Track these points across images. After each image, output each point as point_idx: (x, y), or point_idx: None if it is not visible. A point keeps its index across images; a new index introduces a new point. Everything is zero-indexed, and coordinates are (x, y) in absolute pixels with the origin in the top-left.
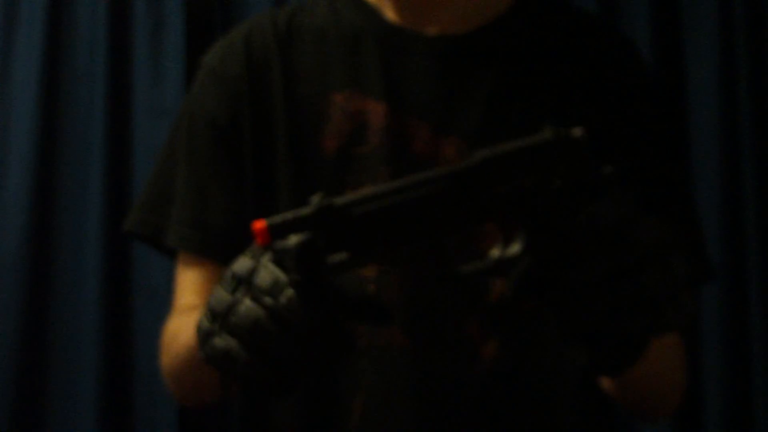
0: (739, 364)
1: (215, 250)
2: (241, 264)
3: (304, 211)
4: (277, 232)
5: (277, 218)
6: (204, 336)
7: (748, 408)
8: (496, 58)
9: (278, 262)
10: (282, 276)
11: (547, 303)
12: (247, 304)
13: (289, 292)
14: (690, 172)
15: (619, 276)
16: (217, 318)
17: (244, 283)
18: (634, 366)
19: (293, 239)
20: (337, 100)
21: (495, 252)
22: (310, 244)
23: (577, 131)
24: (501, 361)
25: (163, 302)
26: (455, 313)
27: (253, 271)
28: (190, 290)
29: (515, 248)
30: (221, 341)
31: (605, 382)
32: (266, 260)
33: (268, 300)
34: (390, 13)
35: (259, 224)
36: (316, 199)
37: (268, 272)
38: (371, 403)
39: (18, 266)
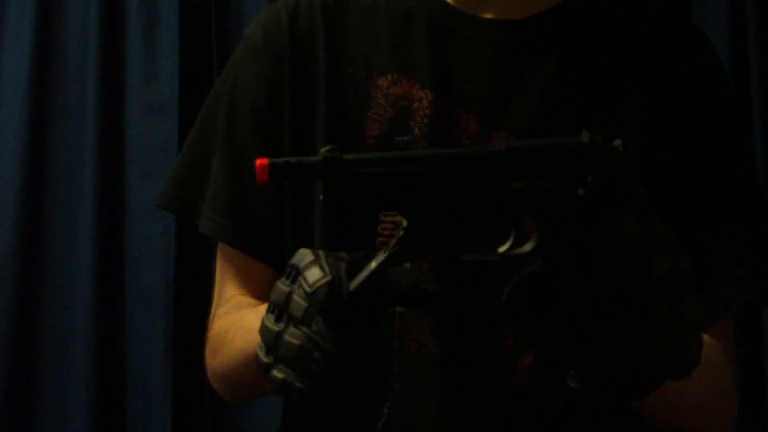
0: (750, 366)
1: (249, 242)
2: (277, 292)
3: (310, 158)
4: (277, 172)
5: (281, 160)
6: (264, 369)
7: (762, 410)
8: (555, 48)
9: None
10: (309, 305)
11: (542, 312)
12: (288, 334)
13: (319, 321)
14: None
15: (622, 304)
16: (270, 350)
17: (284, 311)
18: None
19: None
20: (381, 83)
21: (503, 247)
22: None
23: (616, 141)
24: (536, 375)
25: (156, 302)
26: (490, 322)
27: (287, 300)
28: (231, 283)
29: (525, 248)
30: (278, 373)
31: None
32: (297, 288)
33: (304, 329)
34: None
35: (261, 161)
36: (324, 150)
37: (298, 304)
38: (397, 409)
39: (9, 266)
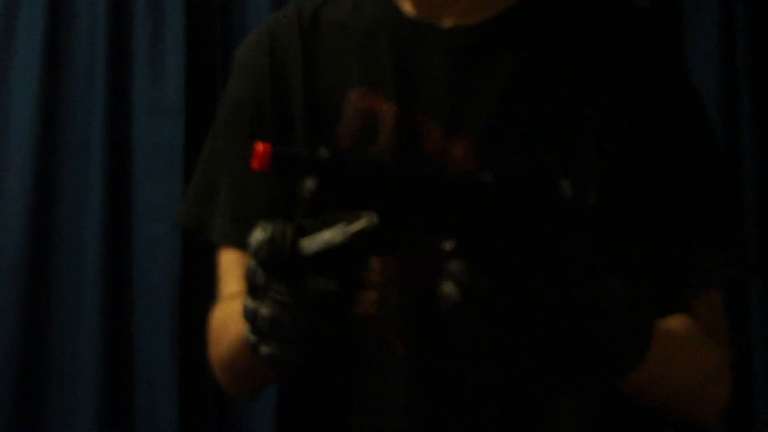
0: (740, 364)
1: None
2: (247, 270)
3: (311, 153)
4: (278, 162)
5: (283, 149)
6: (253, 348)
7: (749, 408)
8: (511, 50)
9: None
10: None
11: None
12: (263, 307)
13: (277, 287)
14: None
15: (538, 324)
16: (254, 328)
17: (257, 287)
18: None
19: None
20: (351, 97)
21: (447, 245)
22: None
23: (592, 197)
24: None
25: (162, 300)
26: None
27: (254, 275)
28: (234, 279)
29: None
30: (265, 348)
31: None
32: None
33: (272, 295)
34: (407, 5)
35: (262, 147)
36: (325, 150)
37: (259, 272)
38: (368, 415)
39: (18, 266)
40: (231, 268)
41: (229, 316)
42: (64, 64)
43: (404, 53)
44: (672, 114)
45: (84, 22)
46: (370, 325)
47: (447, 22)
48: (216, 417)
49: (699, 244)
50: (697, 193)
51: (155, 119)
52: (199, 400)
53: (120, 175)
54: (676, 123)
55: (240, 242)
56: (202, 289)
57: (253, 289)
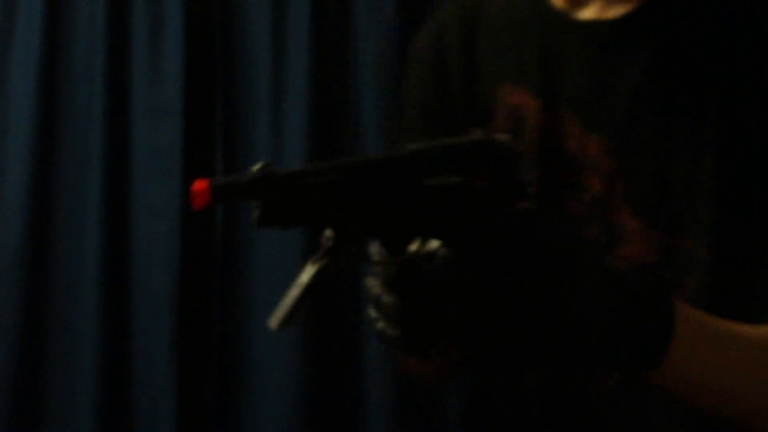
0: None
1: None
2: None
3: (245, 176)
4: (219, 194)
5: (221, 180)
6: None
7: None
8: (645, 46)
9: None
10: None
11: (453, 303)
12: (374, 286)
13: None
14: None
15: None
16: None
17: None
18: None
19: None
20: (502, 93)
21: (413, 246)
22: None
23: (502, 136)
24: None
25: (161, 301)
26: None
27: None
28: None
29: (434, 244)
30: (377, 324)
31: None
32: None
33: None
34: None
35: (201, 185)
36: (256, 167)
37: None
38: (502, 417)
39: (17, 266)
40: None
41: None
42: (64, 64)
43: (549, 47)
44: None
45: (83, 22)
46: None
47: (588, 14)
48: (215, 417)
49: None
50: None
51: (154, 120)
52: (198, 400)
53: (119, 175)
54: None
55: None
56: (201, 290)
57: None
